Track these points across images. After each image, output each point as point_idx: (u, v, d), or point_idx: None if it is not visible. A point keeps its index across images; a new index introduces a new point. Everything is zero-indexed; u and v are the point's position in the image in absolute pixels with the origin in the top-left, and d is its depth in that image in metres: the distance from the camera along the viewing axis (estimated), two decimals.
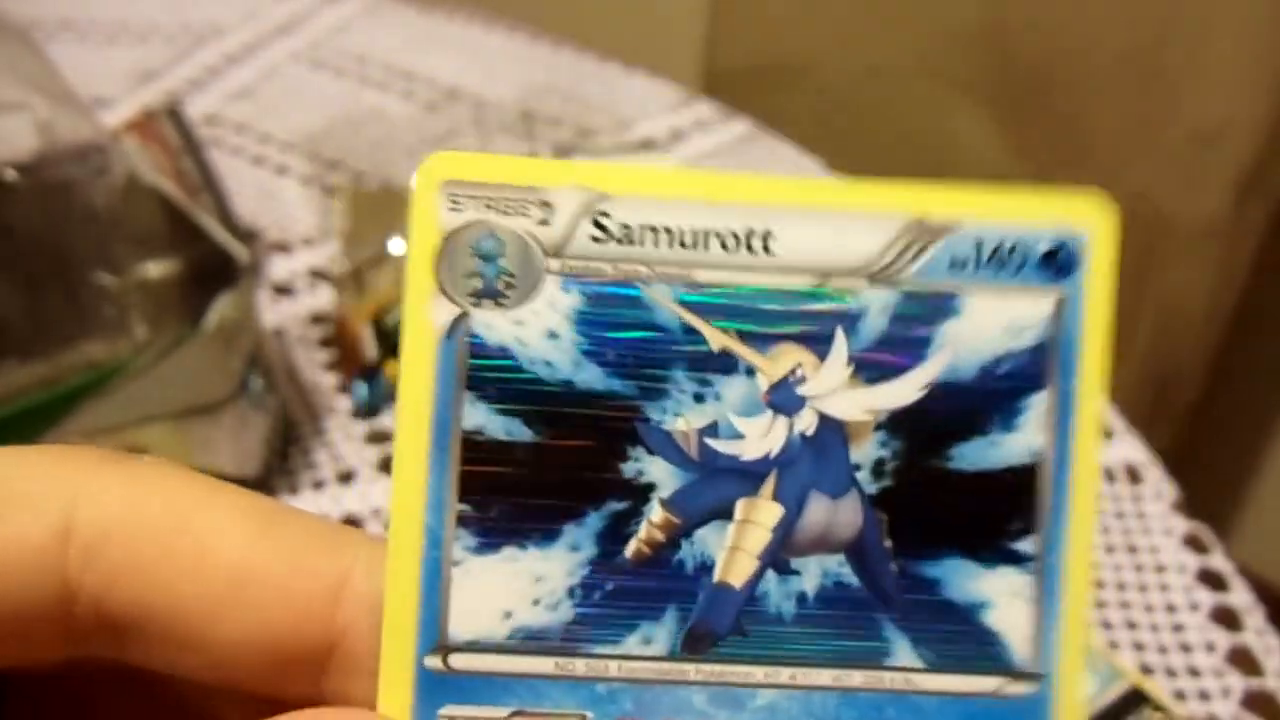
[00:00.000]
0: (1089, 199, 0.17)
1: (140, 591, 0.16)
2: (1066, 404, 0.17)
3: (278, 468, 0.49)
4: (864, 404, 0.17)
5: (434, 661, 0.16)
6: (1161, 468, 0.53)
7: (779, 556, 0.17)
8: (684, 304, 0.17)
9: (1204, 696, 0.45)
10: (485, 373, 0.16)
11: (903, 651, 0.17)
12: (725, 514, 0.17)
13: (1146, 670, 0.45)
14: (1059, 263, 0.17)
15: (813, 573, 0.17)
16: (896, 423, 0.17)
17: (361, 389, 0.51)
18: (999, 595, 0.17)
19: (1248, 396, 1.03)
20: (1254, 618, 0.47)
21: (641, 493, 0.16)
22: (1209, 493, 0.57)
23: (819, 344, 0.17)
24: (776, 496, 0.17)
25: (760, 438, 0.17)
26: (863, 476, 0.17)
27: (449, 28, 0.74)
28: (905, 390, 0.17)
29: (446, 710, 0.16)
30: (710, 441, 0.17)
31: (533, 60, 0.72)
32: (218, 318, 0.43)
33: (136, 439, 0.43)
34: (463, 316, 0.16)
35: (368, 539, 0.17)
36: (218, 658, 0.16)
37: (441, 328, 0.16)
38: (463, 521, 0.16)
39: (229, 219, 0.52)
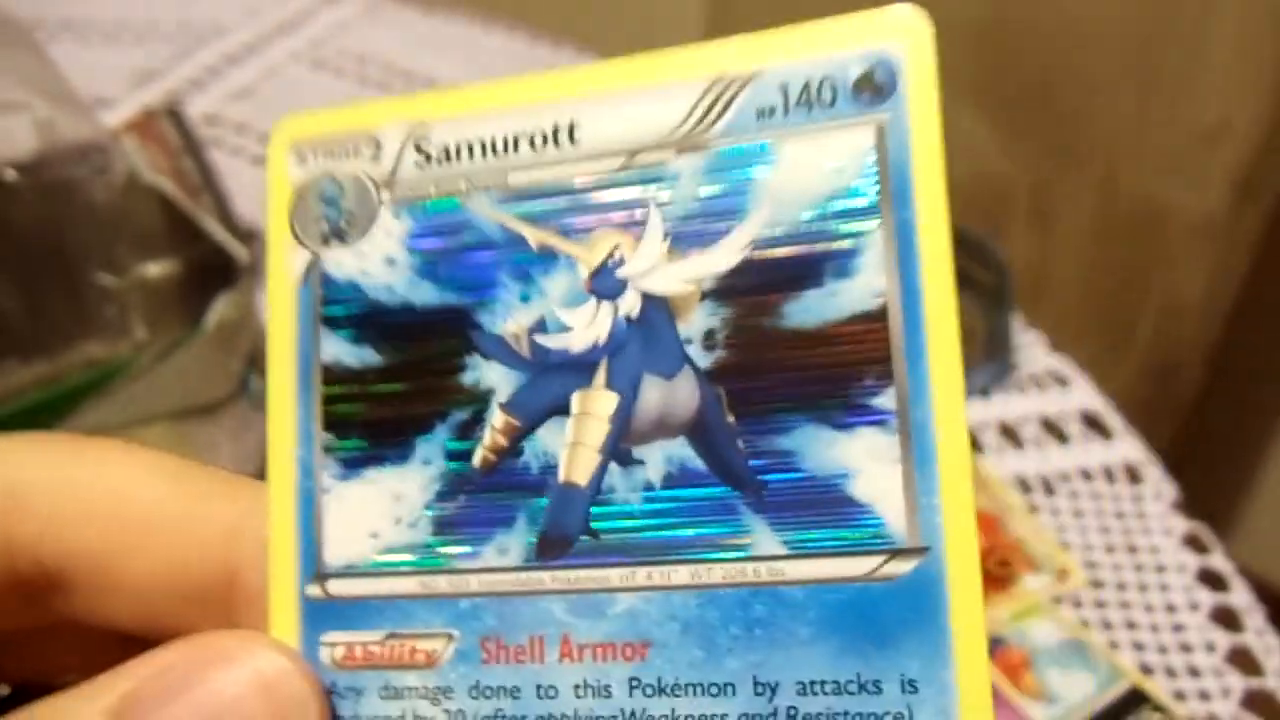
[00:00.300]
0: (895, 14, 0.15)
1: (68, 539, 0.17)
2: (907, 237, 0.15)
3: None
4: (684, 275, 0.16)
5: (314, 590, 0.17)
6: (1161, 467, 0.53)
7: (620, 447, 0.16)
8: (503, 208, 0.17)
9: (1204, 696, 0.45)
10: (337, 308, 0.17)
11: (763, 538, 0.15)
12: (563, 410, 0.16)
13: (1146, 670, 0.45)
14: (872, 88, 0.15)
15: (656, 460, 0.16)
16: (722, 290, 0.16)
17: None
18: (862, 461, 0.15)
19: (1247, 396, 1.03)
20: (1254, 618, 0.47)
21: (481, 399, 0.16)
22: (1209, 492, 0.57)
23: (635, 225, 0.16)
24: (610, 385, 0.16)
25: (586, 327, 0.16)
26: (694, 351, 0.16)
27: (449, 28, 0.74)
28: (725, 254, 0.16)
29: (328, 636, 0.17)
30: (539, 338, 0.16)
31: (533, 60, 0.72)
32: (218, 318, 0.43)
33: (136, 439, 0.43)
34: (315, 260, 0.17)
35: (264, 484, 0.18)
36: (135, 598, 0.17)
37: (298, 273, 0.17)
38: (328, 450, 0.17)
39: (229, 219, 0.52)
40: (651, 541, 0.16)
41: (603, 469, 0.16)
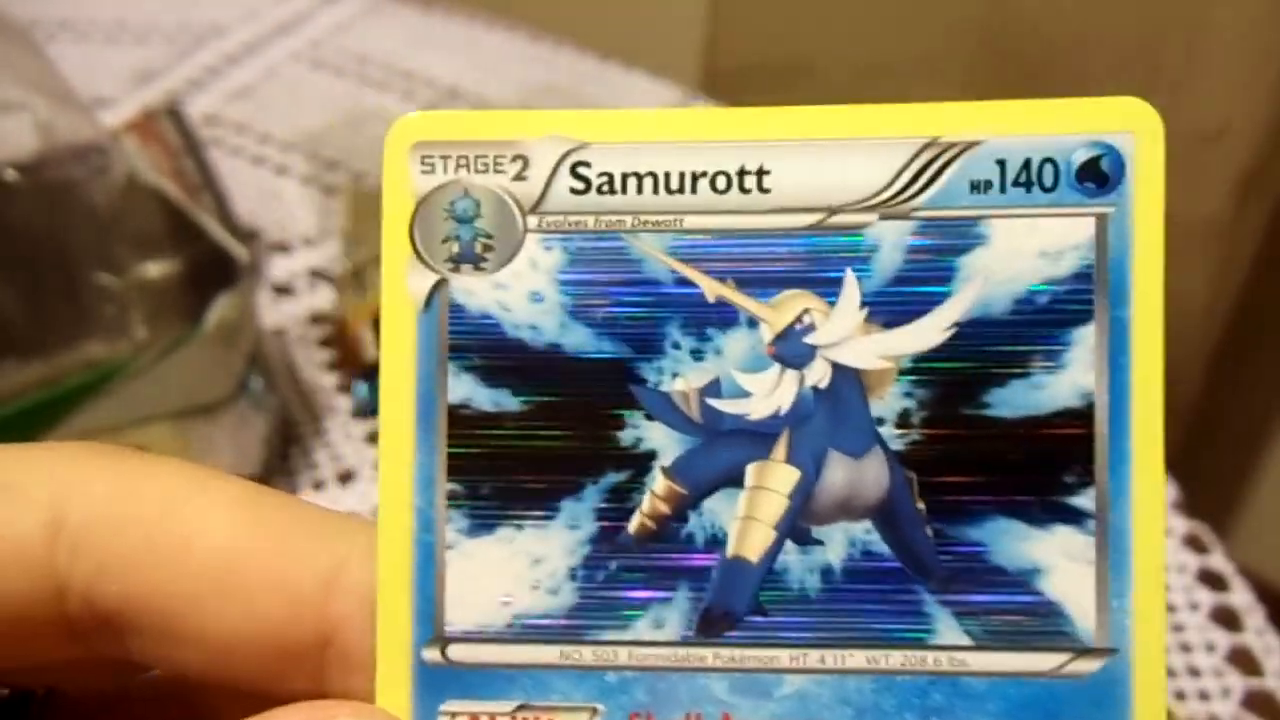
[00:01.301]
0: (1127, 102, 0.15)
1: (128, 582, 0.15)
2: (1120, 336, 0.15)
3: (278, 468, 0.49)
4: (881, 350, 0.15)
5: (432, 654, 0.15)
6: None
7: (799, 526, 0.15)
8: (674, 253, 0.15)
9: (1204, 696, 0.45)
10: (468, 341, 0.15)
11: (946, 627, 0.15)
12: (735, 481, 0.15)
13: None
14: (1098, 176, 0.15)
15: (838, 542, 0.15)
16: (921, 369, 0.15)
17: (361, 389, 0.51)
18: (1055, 559, 0.15)
19: (1248, 396, 1.03)
20: (1254, 618, 0.47)
21: (641, 462, 0.15)
22: (1209, 492, 0.57)
23: (827, 288, 0.15)
24: (790, 458, 0.15)
25: (768, 394, 0.15)
26: (887, 431, 0.15)
27: (449, 28, 0.74)
28: (928, 332, 0.15)
29: (448, 706, 0.15)
30: (713, 401, 0.15)
31: (533, 60, 0.72)
32: (218, 318, 0.43)
33: (136, 439, 0.43)
34: (441, 284, 0.15)
35: (364, 525, 0.16)
36: (210, 650, 0.16)
37: (420, 297, 0.15)
38: (453, 502, 0.15)
39: (229, 219, 0.52)
40: (827, 624, 0.15)
41: (777, 547, 0.15)
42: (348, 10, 0.74)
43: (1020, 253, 0.15)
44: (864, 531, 0.15)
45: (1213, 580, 0.49)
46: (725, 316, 0.15)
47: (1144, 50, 0.85)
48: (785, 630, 0.15)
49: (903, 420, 0.15)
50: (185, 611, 0.15)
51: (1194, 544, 0.50)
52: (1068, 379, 0.15)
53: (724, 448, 0.15)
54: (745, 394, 0.15)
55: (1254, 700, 0.45)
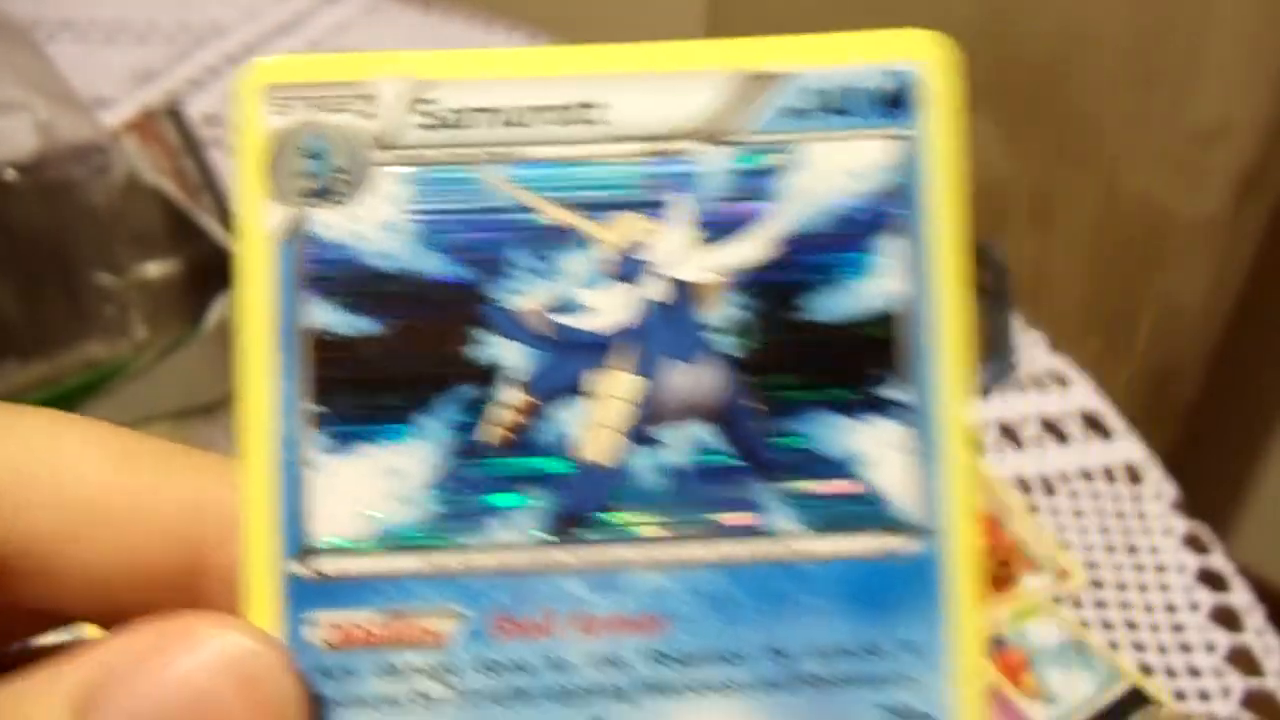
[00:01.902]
0: (920, 34, 0.16)
1: (4, 527, 0.16)
2: (923, 248, 0.16)
3: None
4: (711, 265, 0.16)
5: (298, 568, 0.16)
6: (1161, 467, 0.53)
7: (641, 429, 0.16)
8: (517, 183, 0.16)
9: (1204, 696, 0.45)
10: (326, 271, 0.16)
11: (782, 517, 0.16)
12: (581, 390, 0.16)
13: (1146, 670, 0.45)
14: (899, 101, 0.16)
15: (679, 443, 0.16)
16: (746, 281, 0.16)
17: None
18: (875, 449, 0.16)
19: (1247, 396, 1.03)
20: (1254, 618, 0.47)
21: (492, 376, 0.16)
22: (1209, 492, 0.57)
23: (659, 209, 0.16)
24: (632, 368, 0.16)
25: (608, 309, 0.16)
26: (718, 339, 0.16)
27: (449, 28, 0.74)
28: (752, 247, 0.16)
29: (314, 615, 0.16)
30: (558, 318, 0.16)
31: None
32: (217, 318, 0.43)
33: None
34: (297, 218, 0.16)
35: (231, 460, 0.17)
36: (88, 585, 0.16)
37: (277, 231, 0.16)
38: (314, 422, 0.16)
39: (229, 219, 0.52)
40: (672, 521, 0.16)
41: (623, 449, 0.16)
42: (348, 10, 0.74)
43: (833, 173, 0.16)
44: (703, 432, 0.16)
45: (1213, 580, 0.49)
46: (567, 240, 0.16)
47: (1144, 50, 0.85)
48: (635, 528, 0.16)
49: (733, 328, 0.16)
50: (60, 549, 0.16)
51: (1194, 544, 0.50)
52: (880, 285, 0.16)
53: (570, 360, 0.16)
54: (588, 309, 0.16)
55: (1254, 700, 0.45)
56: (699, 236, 0.16)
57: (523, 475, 0.16)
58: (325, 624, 0.16)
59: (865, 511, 0.16)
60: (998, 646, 0.45)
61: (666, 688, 0.16)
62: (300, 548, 0.16)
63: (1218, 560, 0.49)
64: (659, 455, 0.16)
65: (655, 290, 0.16)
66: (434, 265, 0.16)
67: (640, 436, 0.16)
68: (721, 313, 0.16)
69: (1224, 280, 0.93)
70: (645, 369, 0.16)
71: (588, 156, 0.16)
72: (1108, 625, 0.47)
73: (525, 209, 0.16)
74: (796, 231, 0.16)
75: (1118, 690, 0.44)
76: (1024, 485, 0.52)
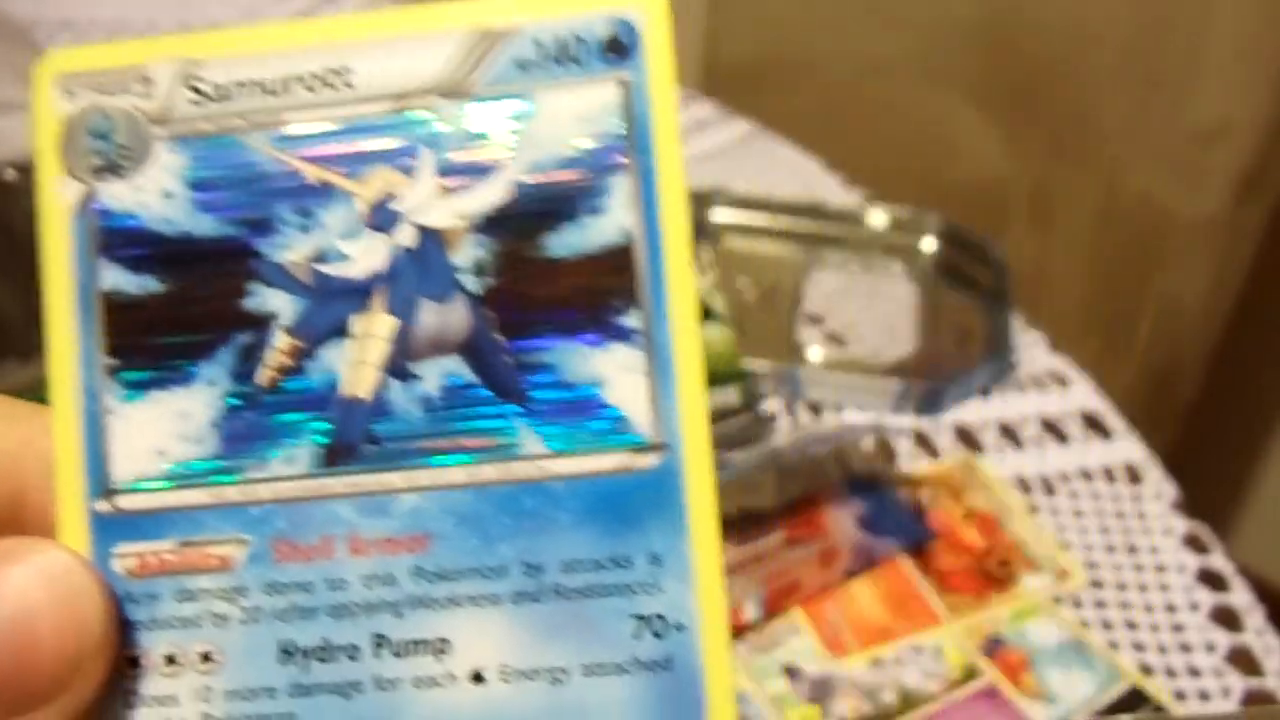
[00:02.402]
0: None
1: None
2: (649, 183, 0.17)
3: None
4: (455, 210, 0.18)
5: (103, 505, 0.18)
6: (1161, 467, 0.53)
7: (399, 364, 0.18)
8: (279, 146, 0.18)
9: (1204, 696, 0.45)
10: (116, 238, 0.18)
11: (529, 440, 0.17)
12: (344, 331, 0.18)
13: (1147, 670, 0.45)
14: (617, 48, 0.18)
15: (433, 375, 0.18)
16: (488, 223, 0.18)
17: None
18: (613, 372, 0.17)
19: (1248, 396, 1.03)
20: (1254, 618, 0.47)
21: (264, 323, 0.18)
22: (1209, 492, 0.57)
23: (407, 164, 0.18)
24: (388, 309, 0.18)
25: (365, 257, 0.18)
26: (465, 278, 0.18)
27: None
28: (491, 193, 0.18)
29: (119, 548, 0.18)
30: (320, 267, 0.18)
31: None
32: None
33: None
34: (89, 192, 0.18)
35: (49, 409, 0.18)
36: None
37: (71, 205, 0.18)
38: (112, 373, 0.18)
39: None
40: (430, 447, 0.18)
41: (383, 384, 0.18)
42: (347, 11, 0.74)
43: (561, 118, 0.18)
44: (455, 364, 0.18)
45: (1213, 580, 0.49)
46: (326, 196, 0.18)
47: (1144, 50, 0.85)
48: (396, 456, 0.18)
49: (478, 268, 0.18)
50: None
51: (1194, 544, 0.50)
52: (610, 220, 0.18)
53: (332, 305, 0.18)
54: (346, 258, 0.18)
55: (1254, 700, 0.45)
56: (444, 185, 0.18)
57: (295, 412, 0.18)
58: (128, 554, 0.18)
59: (606, 430, 0.17)
60: (998, 646, 0.45)
61: (432, 602, 0.17)
62: (103, 488, 0.18)
63: (1218, 560, 0.49)
64: (416, 388, 0.18)
65: (407, 237, 0.18)
66: (209, 226, 0.18)
67: (398, 371, 0.18)
68: (467, 254, 0.18)
69: (1224, 280, 0.93)
70: (400, 309, 0.18)
71: (340, 119, 0.18)
72: (1108, 625, 0.47)
73: (289, 171, 0.18)
74: (532, 175, 0.18)
75: (1118, 690, 0.44)
76: (1024, 485, 0.52)
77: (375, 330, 0.18)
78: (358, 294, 0.18)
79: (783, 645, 0.45)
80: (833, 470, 0.50)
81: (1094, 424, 0.55)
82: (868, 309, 0.59)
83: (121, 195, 0.18)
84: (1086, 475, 0.53)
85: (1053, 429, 0.55)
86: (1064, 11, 0.86)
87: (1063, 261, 0.93)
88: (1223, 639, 0.47)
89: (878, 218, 0.61)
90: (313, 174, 0.18)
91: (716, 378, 0.50)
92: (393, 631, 0.17)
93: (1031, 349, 0.59)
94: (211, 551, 0.18)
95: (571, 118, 0.18)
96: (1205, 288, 0.92)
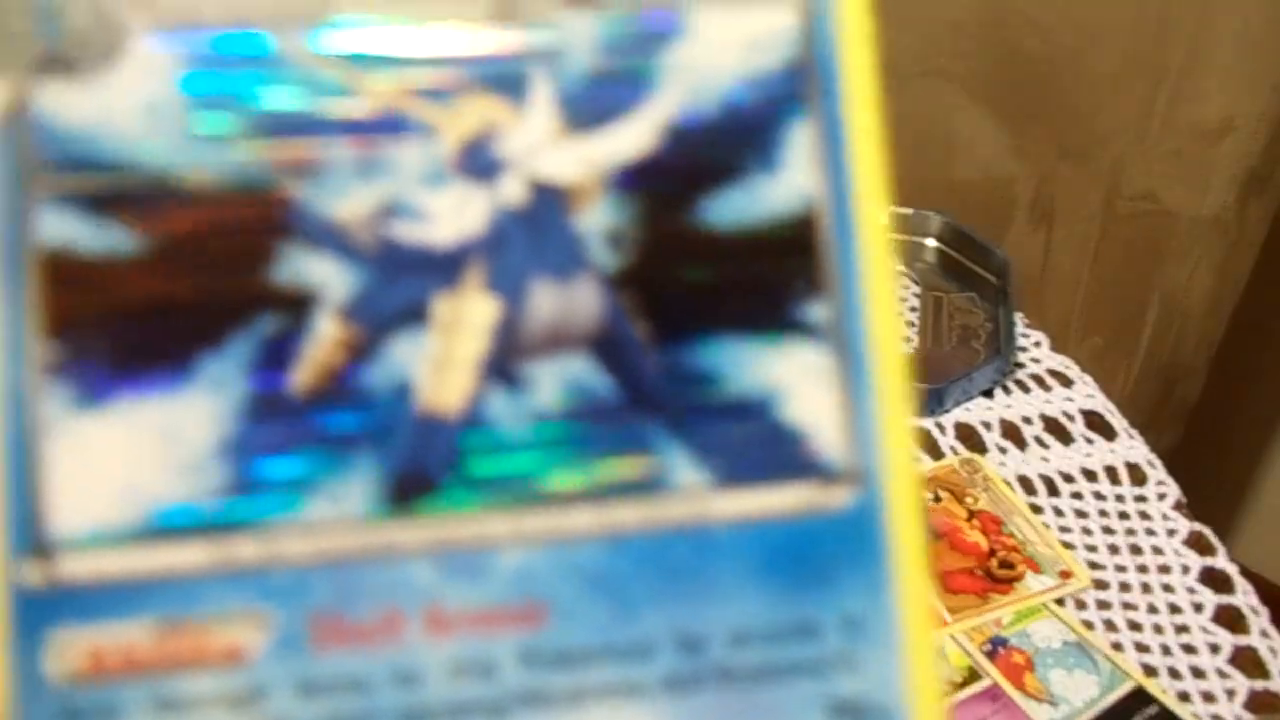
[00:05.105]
0: None
1: None
2: (835, 134, 0.13)
3: None
4: (583, 159, 0.13)
5: (31, 571, 0.11)
6: (1165, 468, 0.53)
7: (503, 365, 0.12)
8: (328, 53, 0.12)
9: (1208, 698, 0.45)
10: (64, 167, 0.12)
11: (681, 468, 0.12)
12: (422, 317, 0.12)
13: (1150, 671, 0.45)
14: None
15: (551, 381, 0.12)
16: (627, 179, 0.13)
17: None
18: (792, 380, 0.13)
19: (1252, 396, 1.03)
20: (1258, 619, 0.47)
21: (303, 302, 0.12)
22: (1213, 493, 0.56)
23: (514, 89, 0.12)
24: (487, 288, 0.12)
25: (454, 215, 0.12)
26: (596, 251, 0.13)
27: None
28: (632, 137, 0.13)
29: (58, 636, 0.11)
30: (388, 226, 0.12)
31: None
32: None
33: None
34: (22, 96, 0.12)
35: None
36: None
37: None
38: (54, 369, 0.12)
39: None
40: (545, 479, 0.12)
41: (479, 393, 0.12)
42: None
43: (725, 43, 0.13)
44: (581, 366, 0.13)
45: (1217, 581, 0.49)
46: (396, 126, 0.12)
47: (1147, 49, 0.84)
48: (495, 492, 0.12)
49: (613, 238, 0.13)
50: None
51: (1198, 545, 0.50)
52: (786, 180, 0.13)
53: (405, 280, 0.12)
54: (426, 216, 0.12)
55: (1259, 702, 0.45)
56: (565, 123, 0.13)
57: (346, 431, 0.12)
58: (72, 645, 0.11)
59: (785, 456, 0.13)
60: (1000, 647, 0.45)
61: (550, 698, 0.12)
62: (33, 544, 0.11)
63: (1222, 561, 0.49)
64: (526, 399, 0.12)
65: (513, 192, 0.13)
66: (218, 159, 0.12)
67: (501, 375, 0.12)
68: (597, 218, 0.13)
69: (1227, 279, 0.93)
70: (504, 289, 0.12)
71: (416, 18, 0.12)
72: (1111, 626, 0.47)
73: (341, 88, 0.12)
74: (686, 117, 0.13)
75: (1121, 691, 0.43)
76: (1027, 485, 0.52)
77: (469, 317, 0.12)
78: (442, 267, 0.12)
79: None
80: None
81: (1097, 424, 0.55)
82: None
83: (75, 103, 0.12)
84: (1090, 475, 0.53)
85: (1056, 429, 0.55)
86: (1066, 10, 0.86)
87: (1065, 261, 0.93)
88: (1227, 640, 0.46)
89: None
90: (380, 96, 0.12)
91: None
92: None
93: (1035, 349, 0.58)
94: (214, 636, 0.12)
95: (737, 44, 0.13)
96: (1209, 287, 0.92)
